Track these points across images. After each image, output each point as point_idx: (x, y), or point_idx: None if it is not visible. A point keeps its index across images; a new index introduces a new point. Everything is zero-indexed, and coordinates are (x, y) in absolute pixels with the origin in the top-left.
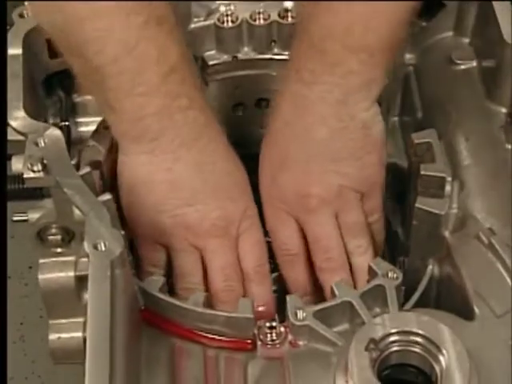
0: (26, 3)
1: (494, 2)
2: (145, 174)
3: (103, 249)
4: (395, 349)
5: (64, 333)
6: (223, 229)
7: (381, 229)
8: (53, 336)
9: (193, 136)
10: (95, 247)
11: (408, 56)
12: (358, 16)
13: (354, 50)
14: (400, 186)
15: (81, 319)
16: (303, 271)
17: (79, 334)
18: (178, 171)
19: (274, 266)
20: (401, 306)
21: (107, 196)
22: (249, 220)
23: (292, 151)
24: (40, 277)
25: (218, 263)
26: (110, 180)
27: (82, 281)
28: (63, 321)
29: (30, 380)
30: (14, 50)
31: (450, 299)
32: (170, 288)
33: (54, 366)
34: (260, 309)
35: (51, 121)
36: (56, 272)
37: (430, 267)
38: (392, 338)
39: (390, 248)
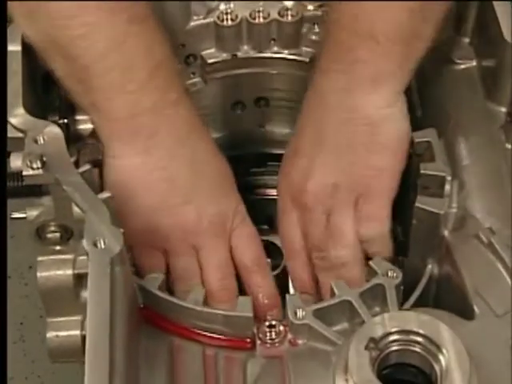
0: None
1: (494, 2)
2: (141, 175)
3: (103, 246)
4: (395, 348)
5: (62, 331)
6: (220, 225)
7: (381, 240)
8: (51, 334)
9: (186, 131)
10: (95, 245)
11: None
12: (366, 5)
13: (361, 36)
14: (400, 185)
15: (79, 317)
16: (304, 267)
17: (77, 333)
18: (175, 168)
19: (271, 266)
20: (400, 305)
21: (107, 194)
22: (240, 215)
23: (304, 142)
24: (38, 274)
25: (214, 262)
26: None
27: (80, 279)
28: (61, 319)
29: (30, 380)
30: (14, 47)
31: (450, 298)
32: (168, 288)
33: (53, 365)
34: (266, 301)
35: (50, 118)
36: (54, 270)
37: (430, 266)
38: (392, 338)
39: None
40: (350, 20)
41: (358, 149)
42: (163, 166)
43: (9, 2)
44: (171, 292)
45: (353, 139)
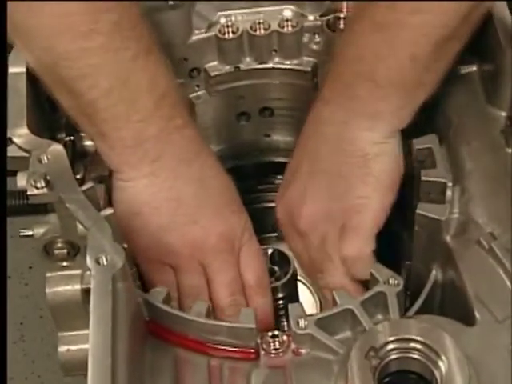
0: None
1: (493, 7)
2: (148, 195)
3: (105, 263)
4: (395, 356)
5: (73, 345)
6: (228, 243)
7: (361, 265)
8: (62, 348)
9: (192, 152)
10: (97, 261)
11: None
12: (370, 44)
13: (362, 76)
14: (403, 191)
15: (88, 331)
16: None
17: (87, 346)
18: (180, 188)
19: (279, 274)
20: (404, 311)
21: (109, 210)
22: (248, 232)
23: (300, 167)
24: (47, 290)
25: (223, 279)
26: None
27: (88, 294)
28: (71, 333)
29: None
30: (18, 69)
31: (453, 304)
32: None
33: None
34: (259, 322)
35: (57, 136)
36: (63, 285)
37: (434, 272)
38: (392, 346)
39: (395, 253)
40: (354, 58)
41: (350, 179)
42: (169, 186)
43: (10, 35)
44: (181, 309)
45: (346, 170)
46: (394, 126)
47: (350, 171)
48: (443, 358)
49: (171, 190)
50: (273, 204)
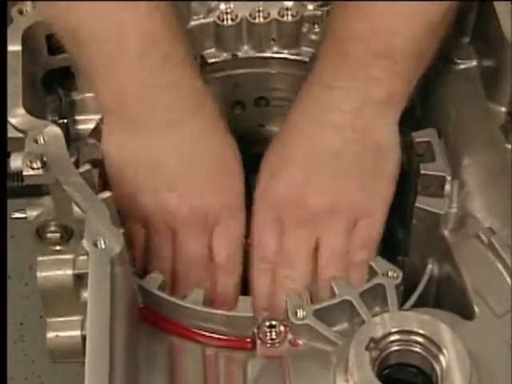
0: None
1: (494, 2)
2: (129, 153)
3: (103, 246)
4: (395, 348)
5: (62, 331)
6: (200, 217)
7: (361, 276)
8: (51, 334)
9: (184, 114)
10: (95, 245)
11: None
12: (384, 17)
13: (378, 54)
14: (400, 185)
15: (79, 317)
16: (268, 282)
17: (77, 333)
18: (162, 154)
19: None
20: (400, 305)
21: (107, 194)
22: (228, 214)
23: (295, 157)
24: (38, 274)
25: (187, 249)
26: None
27: (80, 279)
28: (61, 319)
29: (30, 380)
30: (14, 47)
31: (450, 299)
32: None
33: (53, 365)
34: (218, 298)
35: (50, 118)
36: (54, 270)
37: (430, 266)
38: (392, 338)
39: (389, 247)
40: (366, 35)
41: (359, 173)
42: (151, 147)
43: None
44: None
45: (358, 163)
46: (401, 109)
47: (360, 164)
48: (444, 351)
49: (152, 153)
50: None
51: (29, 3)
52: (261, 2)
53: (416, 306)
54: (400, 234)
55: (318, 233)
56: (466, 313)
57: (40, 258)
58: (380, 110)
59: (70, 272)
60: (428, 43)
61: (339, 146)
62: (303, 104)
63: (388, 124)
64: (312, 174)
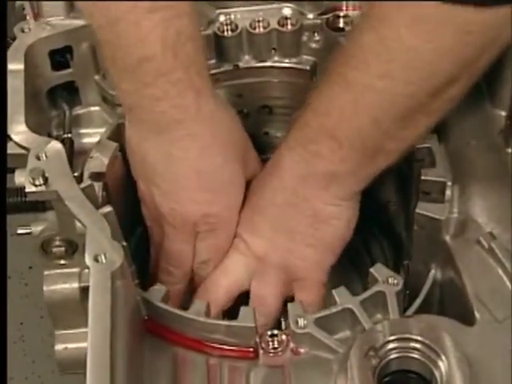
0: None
1: None
2: (133, 141)
3: (104, 261)
4: (395, 355)
5: (70, 343)
6: (176, 221)
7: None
8: (59, 346)
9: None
10: (96, 259)
11: None
12: (337, 101)
13: (327, 133)
14: (403, 190)
15: (86, 329)
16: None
17: (85, 344)
18: (149, 150)
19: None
20: (403, 310)
21: (108, 208)
22: (210, 225)
23: (251, 196)
24: (45, 288)
25: (167, 246)
26: (113, 190)
27: (86, 292)
28: (69, 331)
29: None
30: (16, 66)
31: (453, 304)
32: None
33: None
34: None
35: (54, 133)
36: (60, 283)
37: (433, 272)
38: (391, 345)
39: (395, 252)
40: (321, 111)
41: (296, 237)
42: (142, 139)
43: None
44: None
45: (294, 226)
46: (350, 189)
47: (297, 229)
48: (443, 357)
49: (141, 146)
50: None
51: (31, 21)
52: (261, 12)
53: (420, 311)
54: (405, 239)
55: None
56: (468, 318)
57: (46, 272)
58: (323, 184)
59: (75, 285)
60: (376, 138)
61: (280, 205)
62: (273, 159)
63: (330, 197)
64: (254, 217)
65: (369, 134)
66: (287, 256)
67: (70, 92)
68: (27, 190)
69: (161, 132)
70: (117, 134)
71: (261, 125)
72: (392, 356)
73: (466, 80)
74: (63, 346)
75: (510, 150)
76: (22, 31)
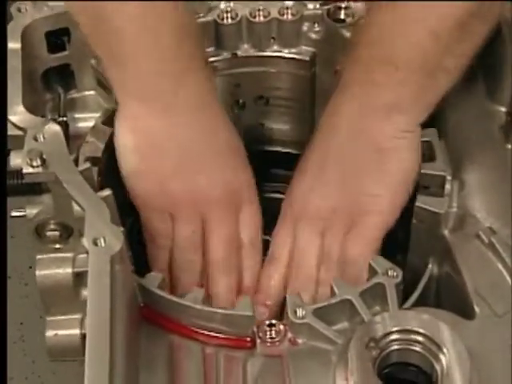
0: None
1: None
2: (155, 139)
3: (103, 245)
4: (395, 347)
5: (61, 329)
6: (231, 197)
7: (355, 271)
8: (50, 333)
9: (203, 101)
10: (95, 243)
11: None
12: (387, 24)
13: (380, 60)
14: None
15: (78, 316)
16: (278, 278)
17: (76, 331)
18: (190, 135)
19: None
20: (400, 304)
21: (107, 192)
22: (251, 190)
23: (312, 157)
24: (37, 273)
25: (221, 233)
26: (109, 175)
27: (79, 277)
28: (60, 317)
29: (30, 380)
30: (13, 45)
31: (450, 298)
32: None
33: (53, 365)
34: (250, 284)
35: (49, 116)
36: (53, 268)
37: (430, 266)
38: (392, 337)
39: (389, 246)
40: (371, 40)
41: (362, 175)
42: (178, 132)
43: None
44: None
45: (358, 165)
46: (413, 118)
47: (363, 167)
48: (444, 350)
49: (181, 135)
50: (265, 194)
51: (29, 1)
52: (261, 1)
53: (416, 305)
54: (400, 233)
55: (321, 230)
56: (467, 312)
57: (39, 256)
58: (383, 116)
59: (69, 270)
60: (436, 55)
61: (341, 149)
62: (327, 108)
63: (394, 130)
64: (320, 173)
65: (427, 49)
66: (354, 196)
67: (65, 75)
68: (24, 171)
69: (204, 109)
70: (112, 119)
71: (257, 115)
72: (393, 347)
73: None
74: (54, 332)
75: (509, 146)
76: (19, 11)
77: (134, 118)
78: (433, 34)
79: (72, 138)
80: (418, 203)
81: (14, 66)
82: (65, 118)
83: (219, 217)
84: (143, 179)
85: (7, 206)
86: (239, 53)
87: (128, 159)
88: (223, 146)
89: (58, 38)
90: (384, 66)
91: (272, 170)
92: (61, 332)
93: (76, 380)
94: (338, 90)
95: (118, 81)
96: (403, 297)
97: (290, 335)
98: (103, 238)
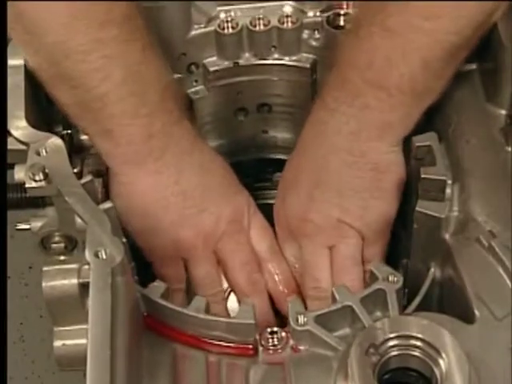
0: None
1: None
2: (155, 194)
3: (104, 257)
4: (395, 353)
5: (69, 340)
6: (238, 224)
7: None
8: (57, 343)
9: (191, 142)
10: (96, 255)
11: None
12: (381, 50)
13: (373, 85)
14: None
15: (85, 326)
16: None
17: (84, 341)
18: (185, 180)
19: None
20: (402, 309)
21: (108, 204)
22: (252, 207)
23: (303, 176)
24: (44, 284)
25: (239, 261)
26: None
27: (85, 288)
28: (68, 328)
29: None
30: (16, 61)
31: (452, 302)
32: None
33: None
34: (285, 288)
35: (54, 129)
36: (59, 279)
37: (432, 270)
38: (392, 343)
39: (393, 250)
40: (363, 65)
41: (361, 193)
42: (174, 181)
43: (10, 32)
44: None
45: (357, 183)
46: (401, 134)
47: (361, 185)
48: (443, 355)
49: (176, 184)
50: (269, 201)
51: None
52: (261, 10)
53: (419, 309)
54: (403, 238)
55: (328, 243)
56: (467, 316)
57: (45, 268)
58: (376, 136)
59: (75, 281)
60: (425, 80)
61: (337, 167)
62: (312, 126)
63: (385, 146)
64: (316, 192)
65: (418, 77)
66: (357, 212)
67: None
68: (27, 185)
69: (192, 151)
70: None
71: (260, 123)
72: (393, 353)
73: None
74: (61, 342)
75: (510, 149)
76: None
77: (129, 183)
78: (424, 63)
79: (76, 151)
80: (418, 208)
81: (17, 81)
82: (69, 131)
83: (232, 246)
84: (151, 235)
85: (12, 220)
86: (241, 62)
87: (132, 220)
88: (217, 178)
89: None
90: (377, 91)
91: (275, 176)
92: (68, 342)
93: (76, 380)
94: (325, 109)
95: (105, 150)
96: (407, 301)
97: (291, 342)
98: (104, 250)
